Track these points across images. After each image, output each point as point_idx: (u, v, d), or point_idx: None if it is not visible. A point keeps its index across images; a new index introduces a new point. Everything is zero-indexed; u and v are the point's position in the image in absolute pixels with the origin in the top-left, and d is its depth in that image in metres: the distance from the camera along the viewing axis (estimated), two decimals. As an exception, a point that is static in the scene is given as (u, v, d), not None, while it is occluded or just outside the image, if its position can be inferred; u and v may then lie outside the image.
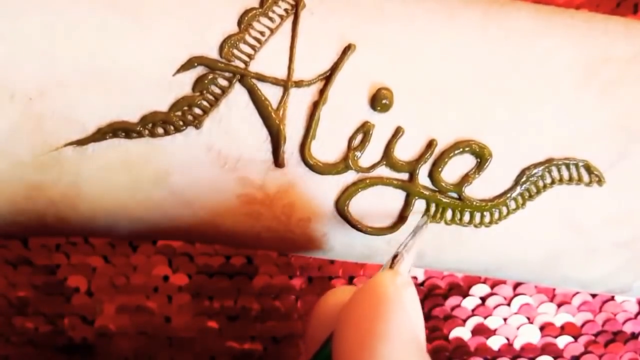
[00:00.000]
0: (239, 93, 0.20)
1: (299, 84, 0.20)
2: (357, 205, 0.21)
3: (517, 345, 0.32)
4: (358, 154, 0.21)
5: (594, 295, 0.32)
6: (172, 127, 0.20)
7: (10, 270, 0.32)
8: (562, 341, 0.32)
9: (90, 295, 0.32)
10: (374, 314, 0.17)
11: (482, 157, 0.21)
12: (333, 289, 0.20)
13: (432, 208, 0.22)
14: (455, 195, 0.21)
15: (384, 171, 0.21)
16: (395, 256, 0.19)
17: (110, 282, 0.32)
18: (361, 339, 0.16)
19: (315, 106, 0.20)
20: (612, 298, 0.32)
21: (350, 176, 0.21)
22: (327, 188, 0.21)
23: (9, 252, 0.32)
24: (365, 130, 0.21)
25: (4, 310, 0.32)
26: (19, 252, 0.32)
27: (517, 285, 0.32)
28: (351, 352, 0.16)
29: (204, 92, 0.20)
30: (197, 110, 0.20)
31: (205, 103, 0.20)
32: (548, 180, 0.22)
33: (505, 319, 0.32)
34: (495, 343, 0.32)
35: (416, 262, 0.23)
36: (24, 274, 0.32)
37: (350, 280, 0.32)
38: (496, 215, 0.22)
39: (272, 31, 0.20)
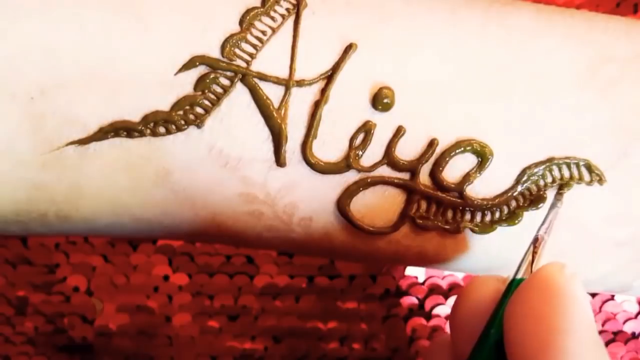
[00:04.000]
0: (240, 92, 0.20)
1: (300, 83, 0.20)
2: (359, 205, 0.21)
3: (517, 345, 0.32)
4: (359, 153, 0.21)
5: (593, 295, 0.32)
6: (173, 127, 0.20)
7: (9, 270, 0.32)
8: (562, 340, 0.32)
9: (90, 295, 0.32)
10: (552, 309, 0.17)
11: (483, 156, 0.21)
12: (477, 278, 0.20)
13: (433, 207, 0.22)
14: (456, 194, 0.22)
15: (385, 170, 0.21)
16: (535, 240, 0.19)
17: (110, 282, 0.32)
18: (543, 336, 0.17)
19: (317, 105, 0.20)
20: (612, 298, 0.32)
21: (351, 175, 0.21)
22: (329, 187, 0.21)
23: (9, 251, 0.32)
24: (366, 129, 0.21)
25: (3, 310, 0.32)
26: (18, 251, 0.32)
27: (517, 285, 0.32)
28: (533, 349, 0.16)
29: (206, 91, 0.20)
30: (199, 110, 0.20)
31: (207, 102, 0.20)
32: (549, 180, 0.22)
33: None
34: (495, 342, 0.32)
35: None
36: (24, 273, 0.32)
37: (351, 280, 0.32)
38: (497, 215, 0.22)
39: (273, 30, 0.20)
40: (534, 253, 0.19)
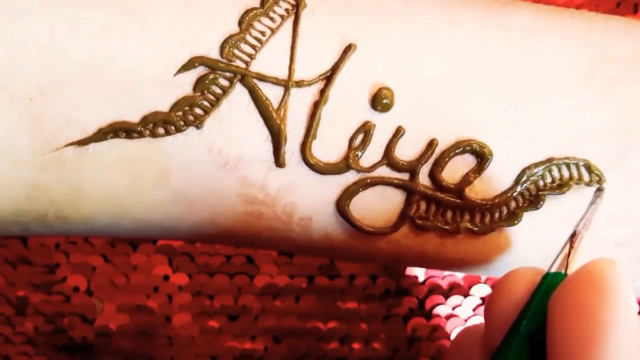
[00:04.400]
0: (240, 93, 0.20)
1: (299, 83, 0.20)
2: (358, 205, 0.21)
3: (517, 344, 0.32)
4: (359, 153, 0.21)
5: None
6: (173, 127, 0.20)
7: (9, 270, 0.32)
8: (562, 340, 0.32)
9: (90, 295, 0.32)
10: (599, 304, 0.17)
11: (482, 157, 0.21)
12: (515, 269, 0.20)
13: (433, 208, 0.22)
14: (456, 194, 0.21)
15: (384, 171, 0.21)
16: (573, 235, 0.19)
17: (110, 282, 0.32)
18: (587, 331, 0.16)
19: (316, 106, 0.20)
20: (612, 297, 0.32)
21: (351, 176, 0.21)
22: (328, 188, 0.21)
23: (9, 251, 0.32)
24: (366, 130, 0.21)
25: (3, 310, 0.32)
26: (18, 251, 0.32)
27: (517, 285, 0.32)
28: (577, 343, 0.16)
29: (205, 92, 0.20)
30: (198, 110, 0.20)
31: (206, 103, 0.20)
32: (548, 180, 0.22)
33: (505, 318, 0.32)
34: (495, 342, 0.32)
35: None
36: (24, 273, 0.32)
37: (351, 280, 0.32)
38: (497, 215, 0.22)
39: (273, 31, 0.20)
40: (571, 248, 0.19)
